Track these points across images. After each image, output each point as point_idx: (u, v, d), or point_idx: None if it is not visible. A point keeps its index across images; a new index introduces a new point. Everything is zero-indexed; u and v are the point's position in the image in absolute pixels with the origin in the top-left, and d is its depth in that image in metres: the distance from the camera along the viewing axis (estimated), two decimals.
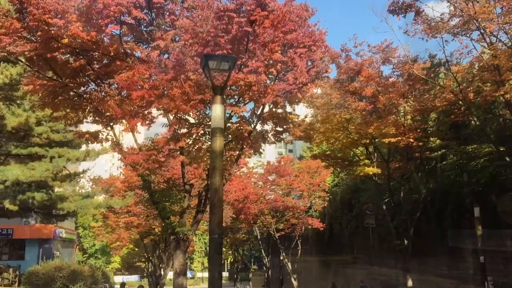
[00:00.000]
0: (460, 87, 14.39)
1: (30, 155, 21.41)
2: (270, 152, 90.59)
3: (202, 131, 11.81)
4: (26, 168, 19.48)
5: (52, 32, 9.89)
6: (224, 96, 8.47)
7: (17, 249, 35.99)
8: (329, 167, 23.57)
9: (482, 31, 12.81)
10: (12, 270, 23.89)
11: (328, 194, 33.45)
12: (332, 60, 16.70)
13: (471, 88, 14.80)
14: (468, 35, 13.91)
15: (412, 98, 17.28)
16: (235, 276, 52.63)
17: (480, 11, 11.83)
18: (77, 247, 55.64)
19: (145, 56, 10.58)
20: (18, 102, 21.84)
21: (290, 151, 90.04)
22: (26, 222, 35.97)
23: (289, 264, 34.32)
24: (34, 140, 21.84)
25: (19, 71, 19.48)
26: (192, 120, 11.70)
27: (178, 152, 11.30)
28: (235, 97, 11.70)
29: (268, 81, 11.09)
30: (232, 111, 10.69)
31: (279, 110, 12.36)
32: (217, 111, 5.94)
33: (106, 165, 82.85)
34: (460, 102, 17.34)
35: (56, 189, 23.98)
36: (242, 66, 10.15)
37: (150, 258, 33.20)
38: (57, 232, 37.12)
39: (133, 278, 64.42)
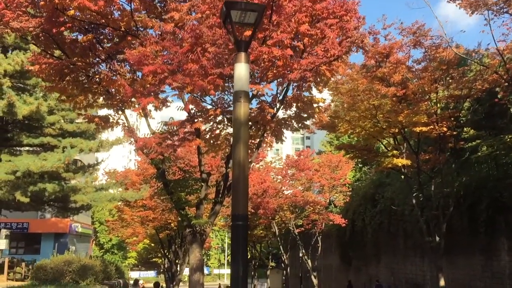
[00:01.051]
0: (507, 65, 13.11)
1: (42, 145, 20.77)
2: (287, 148, 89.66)
3: (220, 116, 10.83)
4: (37, 159, 18.77)
5: (57, 1, 9.00)
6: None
7: (33, 243, 35.75)
8: (353, 158, 22.37)
9: None
10: (25, 264, 23.29)
11: (350, 189, 32.25)
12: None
13: None
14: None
15: (451, 81, 16.03)
16: (252, 273, 51.69)
17: None
18: (94, 242, 55.49)
19: (158, 29, 9.63)
20: (30, 91, 21.25)
21: (308, 147, 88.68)
22: (42, 216, 35.78)
23: (309, 261, 33.21)
24: (47, 130, 21.25)
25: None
26: (209, 103, 10.77)
27: (194, 136, 10.31)
28: (257, 79, 10.72)
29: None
30: (254, 90, 9.64)
31: (305, 93, 11.32)
32: (241, 71, 4.82)
33: (123, 161, 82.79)
34: (497, 89, 16.11)
35: (72, 181, 23.36)
36: (267, 38, 9.10)
37: (166, 253, 32.56)
38: (72, 227, 36.80)
39: (150, 274, 64.26)
